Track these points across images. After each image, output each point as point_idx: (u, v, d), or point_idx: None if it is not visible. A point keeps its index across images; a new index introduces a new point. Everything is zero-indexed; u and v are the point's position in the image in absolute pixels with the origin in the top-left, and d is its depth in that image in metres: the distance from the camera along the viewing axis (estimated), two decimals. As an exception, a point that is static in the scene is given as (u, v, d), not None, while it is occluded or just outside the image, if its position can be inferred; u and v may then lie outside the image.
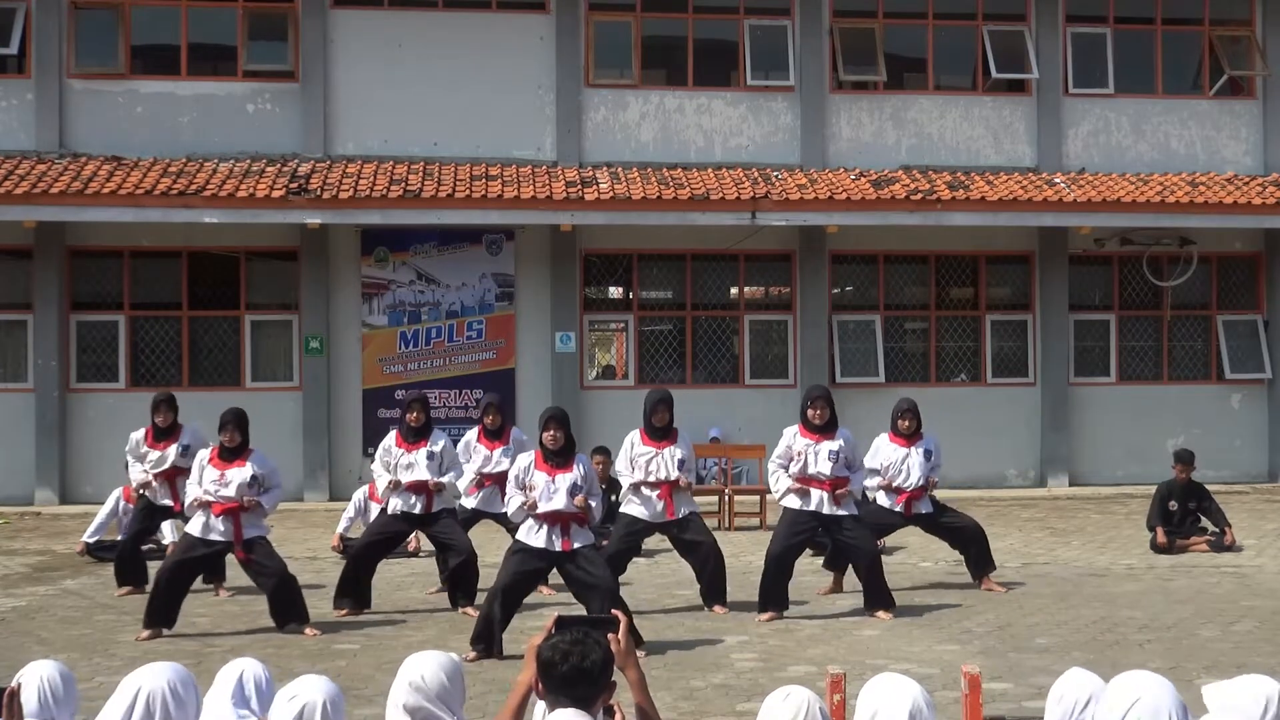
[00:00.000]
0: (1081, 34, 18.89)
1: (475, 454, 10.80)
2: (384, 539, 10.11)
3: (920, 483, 10.64)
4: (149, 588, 10.63)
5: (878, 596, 9.65)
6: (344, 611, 9.77)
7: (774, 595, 9.61)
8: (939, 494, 11.15)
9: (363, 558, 10.00)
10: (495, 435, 10.94)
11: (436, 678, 3.67)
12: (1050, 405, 18.45)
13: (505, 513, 10.38)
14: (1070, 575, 11.47)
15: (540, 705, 3.57)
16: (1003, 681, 7.59)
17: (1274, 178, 18.58)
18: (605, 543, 12.41)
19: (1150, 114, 19.05)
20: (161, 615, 9.02)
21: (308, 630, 9.11)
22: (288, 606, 9.19)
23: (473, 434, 11.02)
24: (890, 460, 10.61)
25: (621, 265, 18.37)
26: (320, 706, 3.47)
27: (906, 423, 10.78)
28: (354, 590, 9.89)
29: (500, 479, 10.67)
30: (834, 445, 9.56)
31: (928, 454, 10.70)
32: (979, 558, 10.81)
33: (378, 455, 10.17)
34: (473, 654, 8.29)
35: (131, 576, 10.71)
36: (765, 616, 9.52)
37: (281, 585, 9.20)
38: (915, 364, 18.68)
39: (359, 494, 12.91)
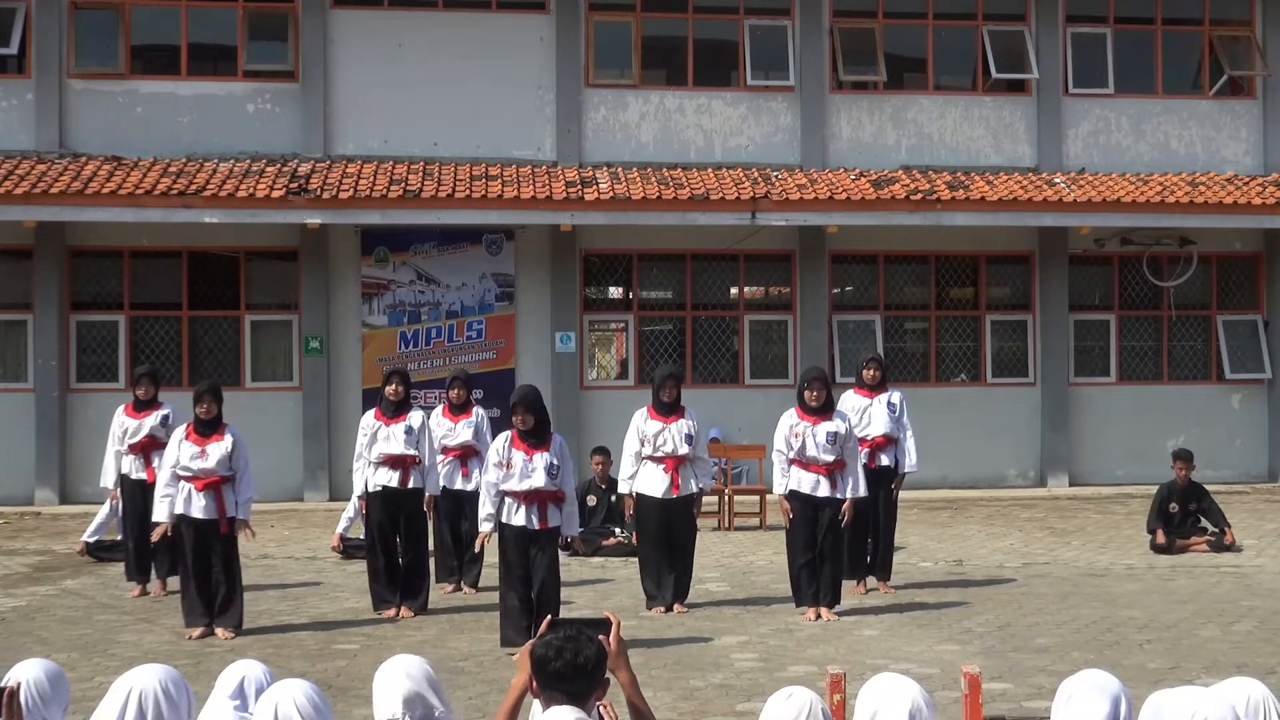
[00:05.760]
0: (1081, 34, 18.89)
1: (439, 427, 10.83)
2: (384, 533, 9.98)
3: (884, 433, 10.55)
4: (151, 586, 10.69)
5: (829, 594, 9.61)
6: (393, 612, 9.74)
7: (809, 594, 9.61)
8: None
9: (385, 556, 9.90)
10: (459, 409, 11.03)
11: (422, 668, 3.75)
12: (1050, 405, 18.44)
13: (465, 490, 10.67)
14: (1070, 575, 11.47)
15: (536, 706, 3.59)
16: (1003, 681, 7.59)
17: (1274, 178, 18.58)
18: (607, 542, 12.51)
19: (1150, 114, 19.05)
20: (202, 612, 9.03)
21: (223, 633, 9.01)
22: (227, 608, 9.10)
23: (438, 410, 11.12)
24: (854, 410, 10.50)
25: (621, 265, 18.37)
26: (294, 704, 3.49)
27: (870, 373, 10.77)
28: (391, 592, 9.85)
29: (460, 451, 10.86)
30: (832, 427, 9.55)
31: (891, 406, 10.64)
32: (883, 561, 10.76)
33: (358, 434, 10.10)
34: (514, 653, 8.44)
35: (142, 574, 10.71)
36: (809, 615, 9.51)
37: (231, 589, 9.12)
38: (915, 364, 18.68)
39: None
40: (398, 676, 3.71)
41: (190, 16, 17.78)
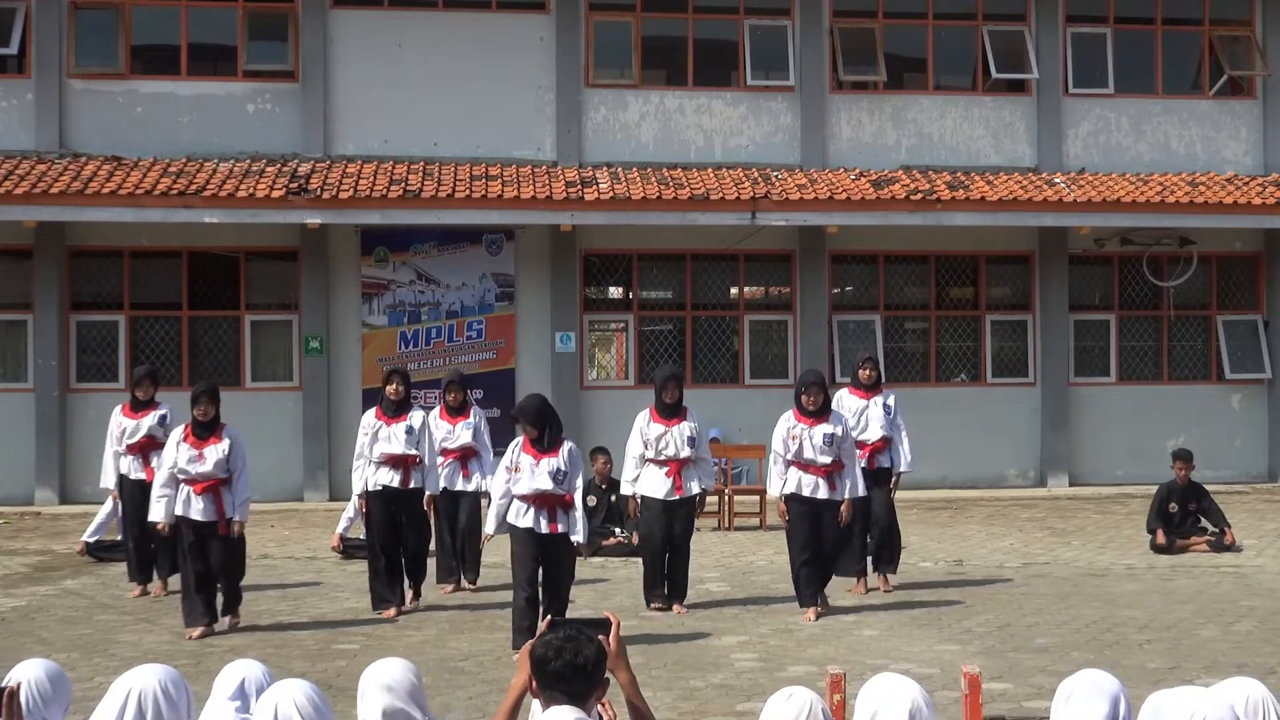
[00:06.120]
0: (1081, 34, 18.89)
1: (437, 429, 10.84)
2: (384, 533, 10.03)
3: (881, 434, 10.58)
4: (152, 587, 10.71)
5: (815, 595, 9.68)
6: (392, 612, 9.79)
7: (809, 595, 9.64)
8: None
9: (386, 556, 9.96)
10: (457, 411, 11.06)
11: (405, 678, 3.73)
12: (1050, 405, 18.44)
13: (466, 491, 10.85)
14: (1070, 575, 11.47)
15: (535, 705, 3.59)
16: (1003, 681, 7.59)
17: (1274, 178, 18.58)
18: (607, 542, 12.51)
19: (1150, 114, 19.05)
20: (202, 612, 9.12)
21: (230, 620, 9.30)
22: (230, 598, 9.35)
23: (435, 411, 11.11)
24: (850, 412, 10.52)
25: (621, 265, 18.37)
26: (294, 704, 3.49)
27: (867, 373, 10.79)
28: (391, 592, 9.91)
29: (460, 454, 10.91)
30: (829, 429, 9.62)
31: (886, 408, 10.67)
32: (888, 554, 10.78)
33: (359, 433, 10.16)
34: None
35: (143, 574, 10.72)
36: (809, 615, 9.53)
37: (236, 579, 9.34)
38: (915, 364, 18.68)
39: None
40: (379, 690, 3.69)
41: (190, 16, 17.78)
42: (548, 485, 8.59)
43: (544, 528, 8.65)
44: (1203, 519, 13.03)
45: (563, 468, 8.62)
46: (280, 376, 17.65)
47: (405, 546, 10.08)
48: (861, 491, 9.87)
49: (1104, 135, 18.94)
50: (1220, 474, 17.92)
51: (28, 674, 3.75)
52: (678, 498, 9.93)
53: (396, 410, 9.98)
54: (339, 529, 12.81)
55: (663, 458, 9.93)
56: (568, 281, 17.79)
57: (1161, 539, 12.71)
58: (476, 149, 17.82)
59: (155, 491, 9.26)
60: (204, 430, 9.17)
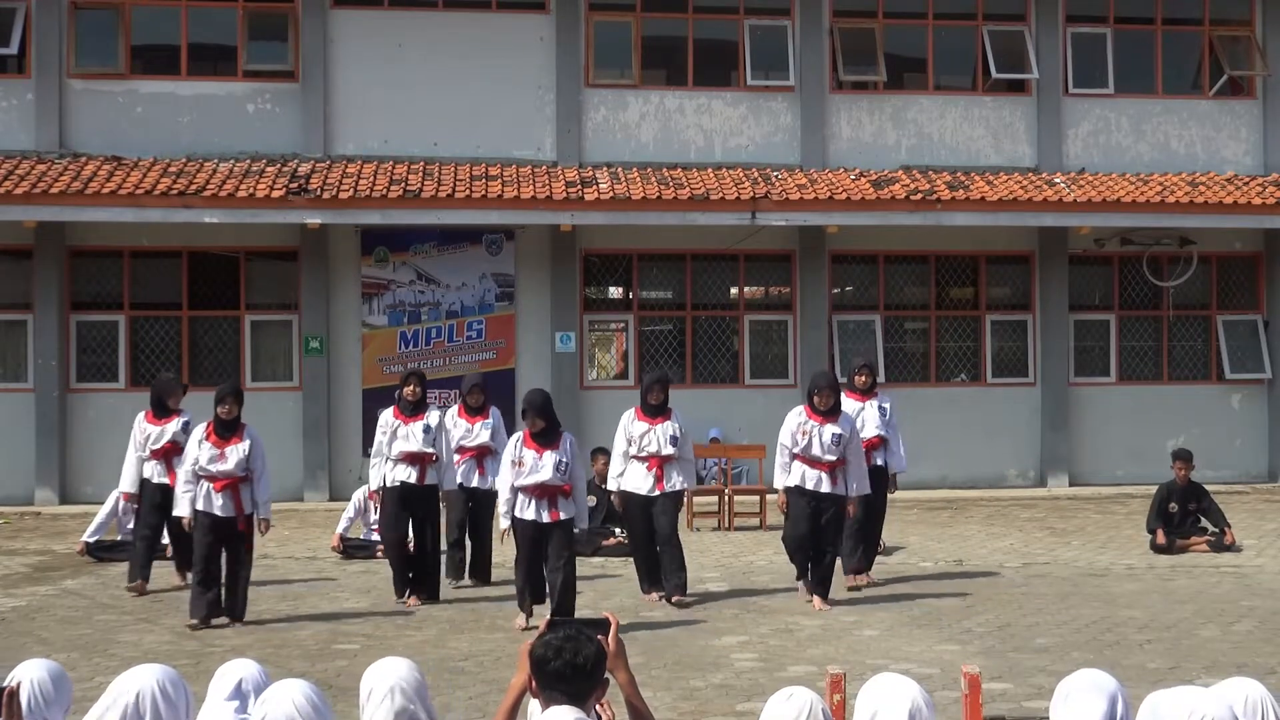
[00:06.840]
0: (1081, 34, 18.89)
1: (456, 427, 11.05)
2: (399, 525, 10.33)
3: (877, 433, 10.87)
4: (175, 579, 10.86)
5: (821, 586, 9.98)
6: (413, 600, 10.13)
7: (801, 564, 10.04)
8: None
9: (395, 547, 10.27)
10: (476, 411, 11.28)
11: (413, 677, 3.73)
12: (1050, 405, 18.44)
13: (482, 488, 11.09)
14: (1070, 575, 11.47)
15: (535, 705, 3.59)
16: (1003, 681, 7.59)
17: (1274, 178, 18.58)
18: (607, 542, 12.54)
19: (1150, 114, 19.04)
20: (205, 605, 9.26)
21: (228, 621, 9.43)
22: (235, 602, 9.47)
23: (453, 410, 11.31)
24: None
25: (621, 265, 18.37)
26: (294, 704, 3.48)
27: (862, 379, 11.13)
28: (404, 581, 10.19)
29: (478, 452, 11.14)
30: (837, 429, 9.91)
31: (882, 410, 11.00)
32: (866, 553, 10.92)
33: (377, 431, 10.45)
34: (522, 621, 9.13)
35: (144, 573, 10.75)
36: (805, 591, 9.96)
37: (243, 582, 9.49)
38: (915, 364, 18.68)
39: (359, 494, 12.90)
40: (391, 691, 3.68)
41: (190, 16, 17.78)
42: (549, 476, 9.04)
43: (545, 517, 9.10)
44: (1203, 519, 13.03)
45: (564, 459, 9.08)
46: (280, 376, 17.65)
47: (415, 543, 10.36)
48: (866, 489, 10.15)
49: (1104, 135, 18.94)
50: (1220, 474, 17.92)
51: (29, 674, 3.75)
52: (659, 492, 10.16)
53: (414, 410, 10.34)
54: (339, 529, 12.81)
55: (645, 453, 10.19)
56: (568, 281, 17.79)
57: (1161, 539, 12.72)
58: (476, 149, 17.83)
59: (180, 489, 9.51)
60: (226, 430, 9.39)
